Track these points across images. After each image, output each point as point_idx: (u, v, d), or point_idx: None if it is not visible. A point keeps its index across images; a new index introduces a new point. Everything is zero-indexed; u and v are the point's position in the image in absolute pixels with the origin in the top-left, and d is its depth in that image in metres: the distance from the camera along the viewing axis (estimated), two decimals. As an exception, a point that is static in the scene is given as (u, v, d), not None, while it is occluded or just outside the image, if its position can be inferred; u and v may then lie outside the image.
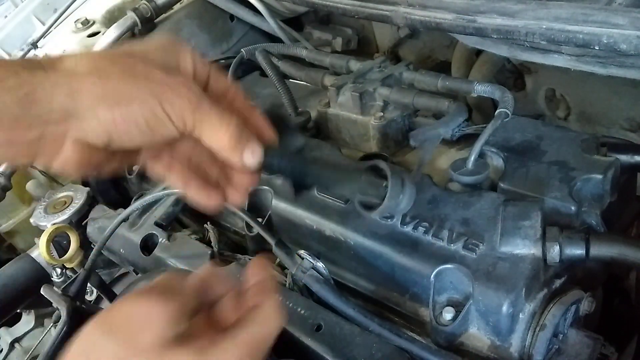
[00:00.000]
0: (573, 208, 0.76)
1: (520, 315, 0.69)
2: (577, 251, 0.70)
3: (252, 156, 0.55)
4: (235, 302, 0.54)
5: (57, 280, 1.09)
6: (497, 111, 0.86)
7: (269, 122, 0.60)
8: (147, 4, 1.41)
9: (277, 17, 1.37)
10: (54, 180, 1.55)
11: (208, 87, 0.58)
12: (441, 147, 0.96)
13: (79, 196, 1.18)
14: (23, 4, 1.73)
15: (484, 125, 0.86)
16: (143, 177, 1.20)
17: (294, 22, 1.46)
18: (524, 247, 0.71)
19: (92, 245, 1.09)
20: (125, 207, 1.03)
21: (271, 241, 0.84)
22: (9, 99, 0.47)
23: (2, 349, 1.36)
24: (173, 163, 0.59)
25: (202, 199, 0.59)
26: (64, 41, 1.56)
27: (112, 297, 1.15)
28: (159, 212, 1.03)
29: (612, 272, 0.88)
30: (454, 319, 0.71)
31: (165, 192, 1.02)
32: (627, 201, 0.90)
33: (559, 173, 0.81)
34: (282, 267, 0.83)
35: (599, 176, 0.79)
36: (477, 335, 0.72)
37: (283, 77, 1.15)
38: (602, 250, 0.70)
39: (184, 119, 0.53)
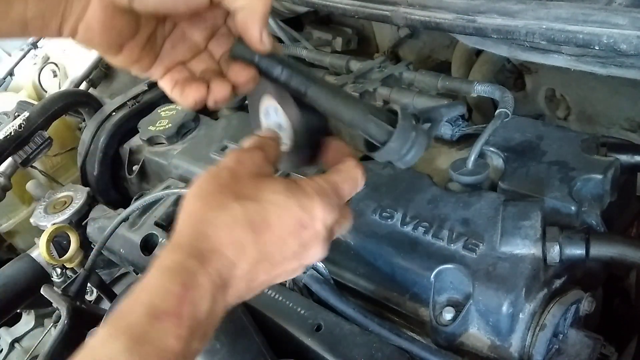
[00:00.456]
0: (573, 208, 0.76)
1: (520, 315, 0.69)
2: (577, 251, 0.70)
3: (267, 37, 0.55)
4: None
5: (57, 280, 1.09)
6: (497, 111, 0.86)
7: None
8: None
9: (277, 17, 1.36)
10: (54, 180, 1.55)
11: None
12: (441, 147, 0.96)
13: (79, 196, 1.18)
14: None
15: (484, 125, 0.86)
16: (143, 177, 1.20)
17: (294, 22, 1.45)
18: (524, 247, 0.71)
19: (92, 245, 1.09)
20: (125, 207, 1.03)
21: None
22: None
23: (2, 349, 1.36)
24: (172, 53, 0.59)
25: (184, 92, 0.58)
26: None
27: (112, 297, 1.15)
28: (159, 212, 1.03)
29: (612, 272, 0.88)
30: (454, 319, 0.71)
31: (166, 192, 1.02)
32: (627, 201, 0.90)
33: (559, 173, 0.81)
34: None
35: (599, 176, 0.79)
36: (477, 335, 0.72)
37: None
38: (602, 250, 0.70)
39: None
